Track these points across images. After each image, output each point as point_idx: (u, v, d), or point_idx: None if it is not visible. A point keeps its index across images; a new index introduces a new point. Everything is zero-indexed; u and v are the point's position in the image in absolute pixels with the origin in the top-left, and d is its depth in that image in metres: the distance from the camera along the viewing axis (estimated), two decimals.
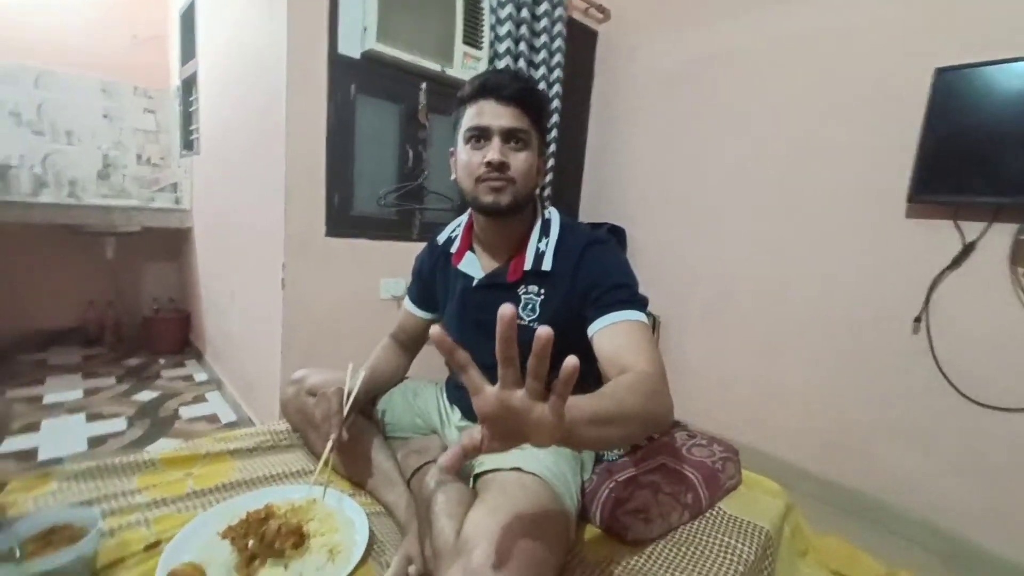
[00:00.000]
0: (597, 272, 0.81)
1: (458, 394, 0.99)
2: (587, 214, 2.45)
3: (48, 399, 2.00)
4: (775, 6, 1.78)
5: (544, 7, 1.95)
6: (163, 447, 1.44)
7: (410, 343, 1.08)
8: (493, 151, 0.80)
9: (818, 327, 1.71)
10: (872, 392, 1.60)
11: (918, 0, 1.47)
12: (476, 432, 0.50)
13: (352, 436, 0.91)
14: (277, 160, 1.54)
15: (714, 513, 0.91)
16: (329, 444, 0.84)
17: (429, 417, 1.01)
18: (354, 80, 1.61)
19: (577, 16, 2.25)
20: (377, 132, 1.73)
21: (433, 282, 1.01)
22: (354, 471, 0.94)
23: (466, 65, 1.82)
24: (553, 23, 1.99)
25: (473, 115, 0.82)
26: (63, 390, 2.09)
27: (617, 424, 0.59)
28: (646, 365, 0.71)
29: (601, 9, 2.29)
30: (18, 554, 0.64)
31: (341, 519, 0.79)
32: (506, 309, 0.46)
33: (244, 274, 1.93)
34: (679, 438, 1.04)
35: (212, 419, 1.97)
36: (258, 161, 1.72)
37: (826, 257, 1.68)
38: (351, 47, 1.59)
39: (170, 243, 2.81)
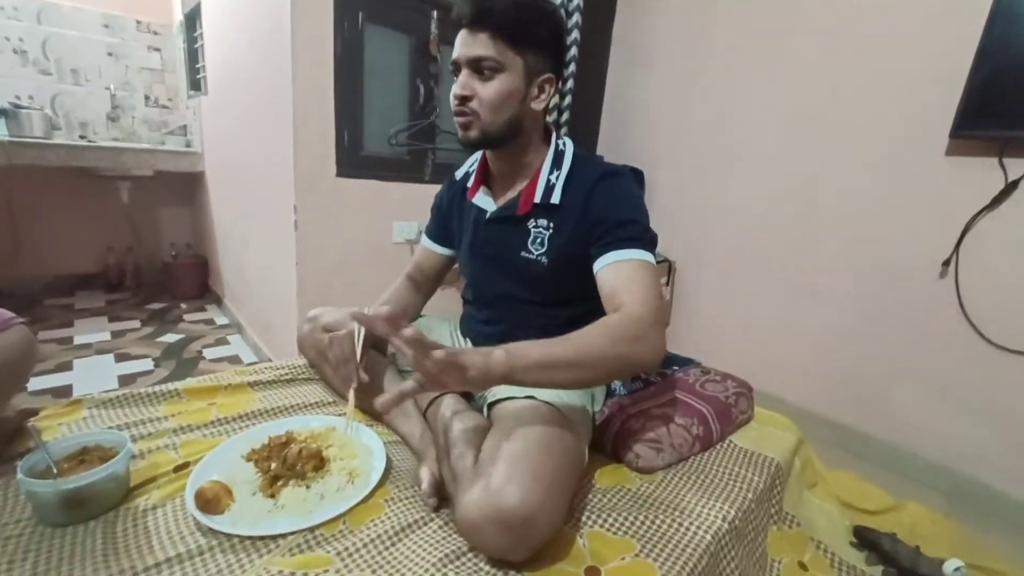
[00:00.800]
0: (606, 206, 0.79)
1: (470, 325, 1.00)
2: (605, 156, 2.36)
3: (78, 340, 2.07)
4: None
5: None
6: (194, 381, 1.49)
7: (426, 282, 1.07)
8: (456, 84, 0.79)
9: (841, 271, 1.66)
10: (892, 337, 1.57)
11: None
12: (410, 383, 0.62)
13: (367, 370, 0.93)
14: (284, 96, 1.49)
15: (725, 445, 0.92)
16: (352, 392, 0.87)
17: None
18: (362, 7, 1.52)
19: None
20: (387, 65, 1.65)
21: (451, 217, 1.00)
22: (370, 404, 0.95)
23: None
24: None
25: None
26: (91, 332, 2.16)
27: (572, 368, 0.63)
28: (638, 307, 0.70)
29: None
30: (55, 471, 0.67)
31: (359, 446, 0.81)
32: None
33: (257, 218, 1.93)
34: (693, 374, 1.04)
35: (234, 360, 2.03)
36: (265, 99, 1.67)
37: (856, 198, 1.61)
38: None
39: (184, 187, 2.81)
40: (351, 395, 0.87)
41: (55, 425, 0.84)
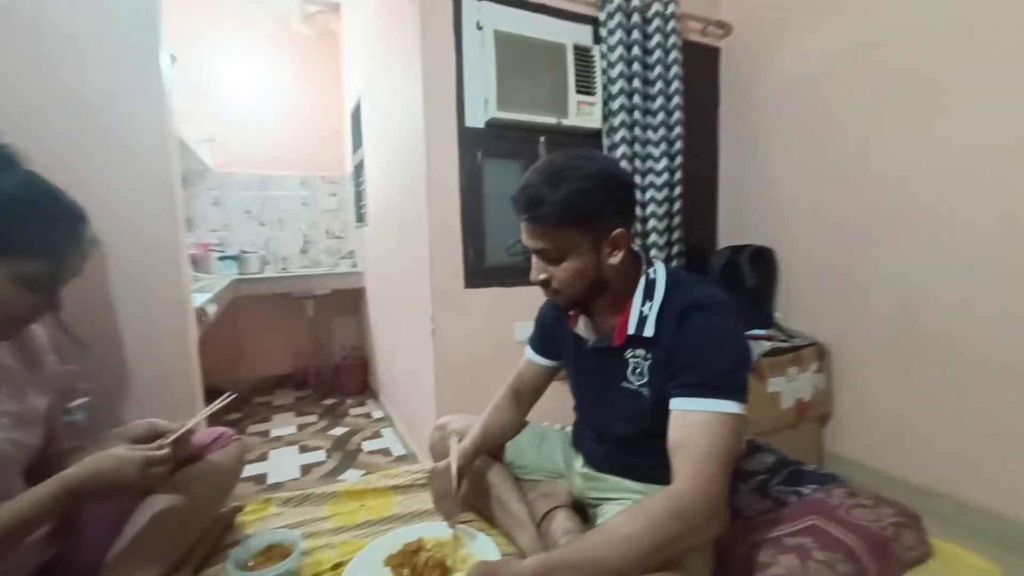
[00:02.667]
0: (686, 343, 0.75)
1: (581, 442, 1.02)
2: (728, 236, 2.29)
3: (273, 433, 2.53)
4: None
5: (656, 40, 1.95)
6: (350, 476, 1.72)
7: (527, 392, 1.09)
8: (533, 269, 0.84)
9: None
10: None
11: None
12: None
13: (484, 481, 1.02)
14: (421, 223, 1.79)
15: None
16: (451, 525, 0.94)
17: (556, 461, 1.05)
18: (479, 147, 1.81)
19: (695, 37, 2.20)
20: (503, 187, 1.89)
21: (555, 334, 1.02)
22: (489, 514, 1.02)
23: (581, 112, 1.90)
24: (667, 52, 1.97)
25: None
26: (283, 426, 2.62)
27: (593, 567, 0.64)
28: (684, 480, 0.68)
29: (721, 24, 2.21)
30: (251, 564, 0.85)
31: (480, 557, 0.87)
32: None
33: (403, 325, 2.24)
34: (837, 495, 0.90)
35: (386, 452, 2.28)
36: (408, 226, 2.01)
37: None
38: (476, 118, 1.80)
39: (351, 301, 3.38)
40: (452, 532, 0.93)
41: (252, 520, 1.06)
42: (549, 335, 1.04)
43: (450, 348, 1.82)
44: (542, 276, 0.82)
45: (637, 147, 1.94)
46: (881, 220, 1.71)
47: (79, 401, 1.24)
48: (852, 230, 1.81)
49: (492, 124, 1.79)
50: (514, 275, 1.92)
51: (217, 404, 0.90)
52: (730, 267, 2.01)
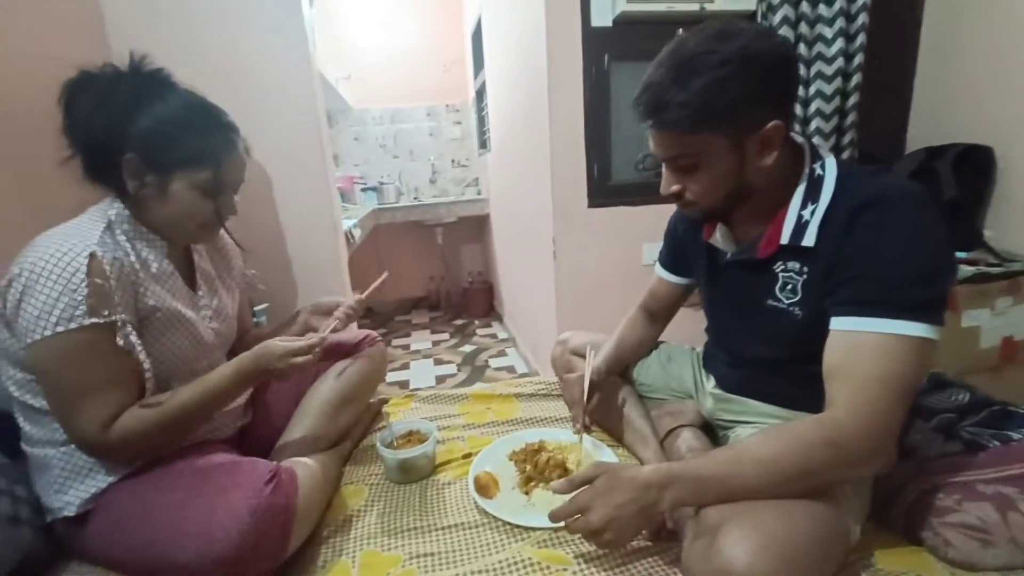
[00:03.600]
0: (859, 248, 0.60)
1: (712, 364, 0.93)
2: (922, 136, 1.83)
3: (413, 347, 2.82)
4: None
5: None
6: (477, 387, 1.85)
7: (660, 311, 1.02)
8: (664, 181, 0.71)
9: None
10: None
11: None
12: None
13: (609, 396, 0.99)
14: (542, 140, 1.72)
15: None
16: (581, 434, 0.92)
17: (683, 382, 0.99)
18: (606, 48, 1.64)
19: None
20: (632, 96, 1.72)
21: (685, 246, 0.91)
22: (612, 427, 1.01)
23: None
24: None
25: None
26: (420, 342, 2.90)
27: (721, 484, 0.59)
28: (842, 406, 0.58)
29: None
30: (395, 444, 0.96)
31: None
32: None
33: (525, 249, 2.26)
34: None
35: (511, 370, 2.41)
36: (530, 147, 1.96)
37: None
38: (603, 16, 1.61)
39: (476, 228, 3.50)
40: (580, 438, 0.92)
41: (395, 411, 1.19)
42: (679, 249, 0.94)
43: (572, 271, 1.79)
44: (674, 188, 0.70)
45: (804, 28, 1.57)
46: None
47: (261, 306, 1.49)
48: None
49: (621, 21, 1.60)
50: (644, 192, 1.78)
51: (375, 285, 1.02)
52: (923, 174, 1.62)
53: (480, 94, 2.99)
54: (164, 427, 0.70)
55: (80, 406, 0.66)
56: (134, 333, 0.70)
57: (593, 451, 0.92)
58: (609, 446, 0.95)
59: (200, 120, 0.76)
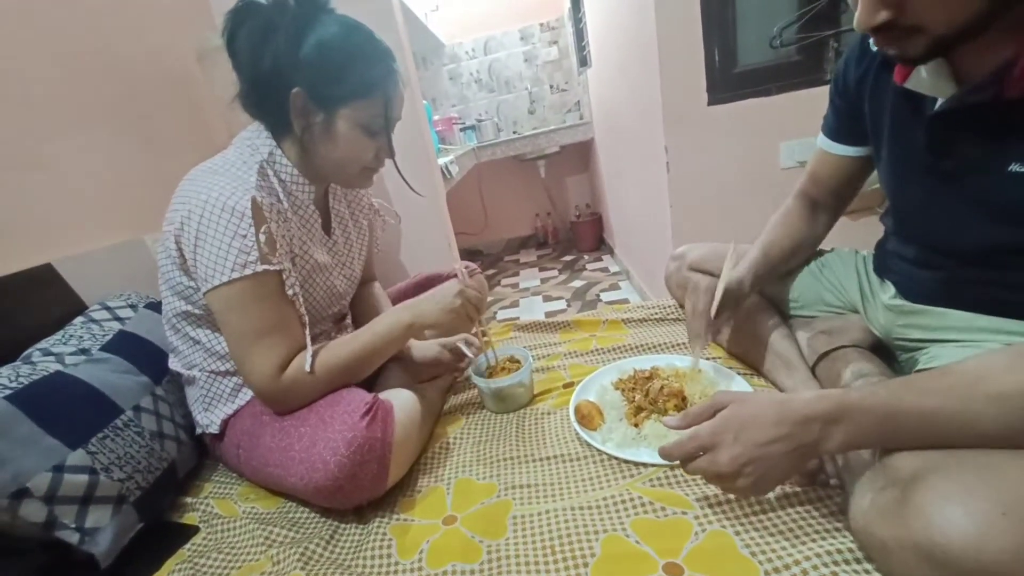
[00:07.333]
0: None
1: (891, 263, 0.68)
2: None
3: (522, 285, 2.78)
4: None
5: None
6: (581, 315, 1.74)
7: (828, 198, 0.78)
8: (865, 8, 0.45)
9: None
10: None
11: None
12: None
13: (745, 314, 0.81)
14: (648, 26, 1.45)
15: None
16: (697, 351, 0.76)
17: (845, 292, 0.76)
18: None
19: None
20: None
21: (861, 100, 0.66)
22: (745, 351, 0.83)
23: None
24: None
25: None
26: (529, 280, 2.85)
27: (926, 423, 0.42)
28: None
29: None
30: (488, 374, 0.90)
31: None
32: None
33: (634, 168, 2.01)
34: None
35: (624, 303, 2.24)
36: (633, 45, 1.68)
37: None
38: None
39: (581, 156, 3.26)
40: (697, 353, 0.76)
41: (495, 341, 1.13)
42: (853, 105, 0.67)
43: (689, 183, 1.54)
44: (883, 14, 0.45)
45: None
46: None
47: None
48: None
49: None
50: (782, 76, 1.44)
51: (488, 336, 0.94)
52: None
53: (576, 3, 2.67)
54: (347, 370, 0.72)
55: (252, 352, 0.67)
56: (297, 283, 0.70)
57: (718, 379, 0.76)
58: (741, 374, 0.78)
59: (365, 48, 0.69)
